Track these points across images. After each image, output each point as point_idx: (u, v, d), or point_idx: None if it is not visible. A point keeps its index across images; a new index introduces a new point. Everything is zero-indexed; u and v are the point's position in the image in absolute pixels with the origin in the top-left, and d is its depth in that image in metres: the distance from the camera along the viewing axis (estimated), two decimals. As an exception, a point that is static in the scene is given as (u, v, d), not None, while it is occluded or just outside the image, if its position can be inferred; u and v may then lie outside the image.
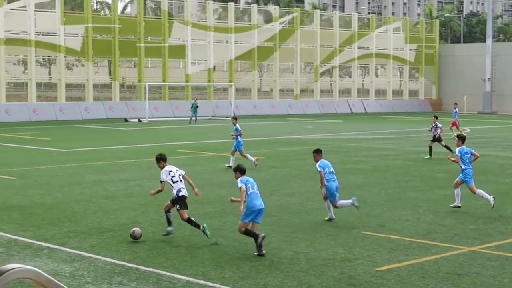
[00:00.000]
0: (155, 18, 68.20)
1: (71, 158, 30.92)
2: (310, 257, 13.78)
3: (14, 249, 14.36)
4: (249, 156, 28.07)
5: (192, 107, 56.79)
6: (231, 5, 70.82)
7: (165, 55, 64.68)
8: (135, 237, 15.00)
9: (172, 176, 15.31)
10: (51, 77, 66.83)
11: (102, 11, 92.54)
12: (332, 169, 17.46)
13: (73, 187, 22.34)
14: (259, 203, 14.25)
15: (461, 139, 19.83)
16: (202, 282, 12.06)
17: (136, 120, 56.66)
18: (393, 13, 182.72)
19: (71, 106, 59.07)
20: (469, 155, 19.28)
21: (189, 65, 67.08)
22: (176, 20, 70.00)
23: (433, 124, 32.63)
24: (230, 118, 60.57)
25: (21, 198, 20.39)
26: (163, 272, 12.62)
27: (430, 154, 31.57)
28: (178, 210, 15.31)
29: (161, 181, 15.45)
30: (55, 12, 59.16)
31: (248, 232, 14.10)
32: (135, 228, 15.27)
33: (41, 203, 19.71)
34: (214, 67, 70.16)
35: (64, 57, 60.32)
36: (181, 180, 15.40)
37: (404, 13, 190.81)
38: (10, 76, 64.09)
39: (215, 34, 68.59)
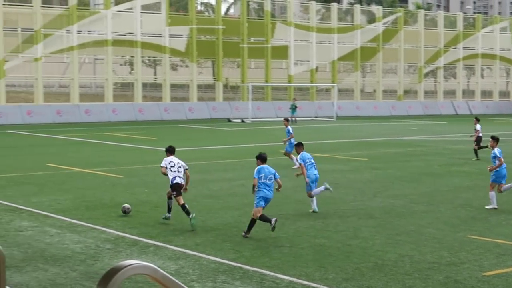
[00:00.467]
0: (258, 19, 68.57)
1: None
2: (414, 260, 13.60)
3: (122, 246, 14.68)
4: (294, 159, 26.98)
5: (291, 108, 56.86)
6: (334, 6, 70.58)
7: (268, 56, 64.95)
8: (125, 212, 17.83)
9: (172, 166, 17.17)
10: (156, 78, 68.03)
11: (206, 12, 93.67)
12: (312, 160, 18.84)
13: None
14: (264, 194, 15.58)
15: (496, 140, 20.11)
16: (305, 282, 12.06)
17: (239, 120, 57.11)
18: (499, 13, 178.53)
19: (175, 106, 59.98)
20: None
21: (291, 65, 67.19)
22: (279, 21, 70.18)
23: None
24: (311, 119, 61.06)
25: (128, 196, 20.83)
26: (267, 272, 12.68)
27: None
28: (174, 197, 16.98)
29: (161, 166, 17.47)
30: (160, 13, 60.21)
31: (263, 217, 15.37)
32: (125, 204, 18.17)
33: (147, 201, 20.10)
34: (317, 67, 70.05)
35: (169, 57, 61.29)
36: (179, 171, 17.10)
37: (511, 13, 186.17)
38: (117, 76, 65.56)
39: (318, 35, 68.48)
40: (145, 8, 60.34)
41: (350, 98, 73.24)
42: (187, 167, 17.39)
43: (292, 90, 67.43)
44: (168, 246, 14.66)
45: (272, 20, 67.95)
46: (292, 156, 27.80)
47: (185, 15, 63.15)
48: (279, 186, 16.00)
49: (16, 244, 14.74)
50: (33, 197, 20.51)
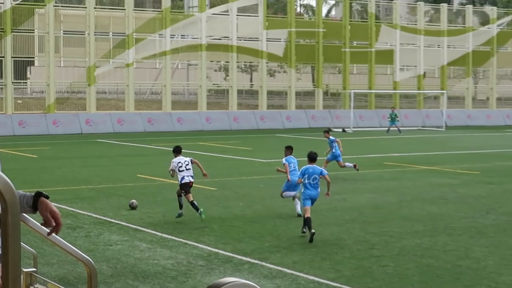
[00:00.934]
0: (362, 21, 68.34)
1: (273, 169, 31.41)
2: (532, 284, 13.25)
3: (215, 263, 14.79)
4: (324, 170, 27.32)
5: (389, 117, 56.19)
6: (444, 6, 69.62)
7: (371, 61, 64.56)
8: (133, 208, 20.31)
9: (180, 167, 19.09)
10: (252, 84, 68.51)
11: (306, 14, 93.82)
12: (296, 167, 19.97)
13: (275, 200, 22.67)
14: (310, 193, 17.35)
15: None
16: (411, 306, 11.89)
17: (340, 130, 56.91)
18: None
19: (272, 114, 60.18)
20: None
21: (397, 71, 66.60)
22: (383, 23, 69.72)
23: None
24: (417, 129, 60.02)
25: (221, 210, 20.99)
26: (369, 294, 12.56)
27: None
28: (184, 195, 19.15)
29: (170, 169, 19.43)
30: (257, 16, 60.60)
31: (307, 221, 16.81)
32: (133, 200, 20.69)
33: (241, 216, 20.20)
34: (425, 73, 69.20)
35: (266, 63, 61.58)
36: (187, 169, 19.08)
37: None
38: (212, 83, 66.30)
39: (426, 38, 67.68)
40: (241, 10, 60.86)
41: (460, 106, 72.01)
42: (191, 158, 19.60)
43: (397, 98, 66.80)
44: (263, 263, 14.69)
45: (377, 22, 67.56)
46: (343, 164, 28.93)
47: (283, 17, 63.42)
48: (327, 182, 17.37)
49: (105, 259, 15.03)
50: (123, 210, 20.90)
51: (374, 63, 64.85)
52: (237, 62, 61.63)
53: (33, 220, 4.51)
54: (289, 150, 21.08)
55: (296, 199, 20.04)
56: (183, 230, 18.08)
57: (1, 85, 51.84)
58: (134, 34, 55.95)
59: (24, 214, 4.33)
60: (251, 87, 68.46)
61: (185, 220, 19.44)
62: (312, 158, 17.88)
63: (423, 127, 61.84)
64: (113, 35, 57.43)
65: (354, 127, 57.73)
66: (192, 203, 19.03)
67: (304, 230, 17.23)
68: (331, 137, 29.63)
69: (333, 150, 29.15)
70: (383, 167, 31.60)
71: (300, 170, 17.81)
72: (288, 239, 17.11)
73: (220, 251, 15.79)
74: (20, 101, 55.21)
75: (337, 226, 18.78)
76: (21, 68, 55.28)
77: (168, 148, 40.51)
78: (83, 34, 55.15)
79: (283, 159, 20.58)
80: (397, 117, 56.19)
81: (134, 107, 55.83)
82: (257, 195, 23.94)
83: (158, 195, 23.71)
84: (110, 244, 16.49)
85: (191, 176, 19.25)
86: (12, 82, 52.07)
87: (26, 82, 61.61)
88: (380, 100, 70.64)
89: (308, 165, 17.61)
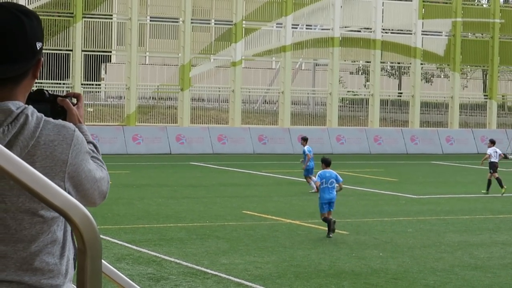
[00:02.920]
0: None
1: (425, 208, 31.25)
2: None
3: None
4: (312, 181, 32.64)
5: None
6: None
7: None
8: None
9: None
10: (401, 93, 68.15)
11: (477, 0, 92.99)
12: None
13: (428, 250, 22.51)
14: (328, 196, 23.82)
15: None
16: None
17: (521, 157, 56.02)
18: None
19: (427, 134, 59.63)
20: None
21: None
22: None
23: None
24: None
25: (354, 262, 20.92)
26: None
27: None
28: None
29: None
30: (411, 1, 60.25)
31: (326, 220, 23.78)
32: None
33: (382, 270, 20.10)
34: None
35: (421, 64, 61.18)
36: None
37: None
38: (346, 90, 66.27)
39: None
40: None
41: None
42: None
43: None
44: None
45: None
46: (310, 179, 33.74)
47: (446, 3, 62.83)
48: (340, 189, 24.45)
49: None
50: (223, 257, 21.06)
51: None
52: (382, 62, 61.50)
53: (120, 274, 4.58)
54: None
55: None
56: (302, 287, 18.11)
57: (68, 87, 52.72)
58: (244, 22, 56.37)
59: (106, 264, 4.39)
60: (400, 96, 68.14)
61: (305, 272, 19.48)
62: (326, 162, 24.74)
63: None
64: (215, 24, 58.14)
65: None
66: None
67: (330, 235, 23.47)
68: (306, 147, 34.83)
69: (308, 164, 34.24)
70: None
71: (318, 174, 24.91)
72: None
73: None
74: (91, 109, 56.21)
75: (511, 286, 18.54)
76: (94, 66, 56.00)
77: (286, 177, 40.79)
78: (177, 22, 55.91)
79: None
80: None
81: (241, 120, 56.23)
82: (403, 243, 23.77)
83: (270, 239, 23.82)
84: (204, 302, 16.66)
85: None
86: (82, 84, 53.21)
87: (99, 84, 62.90)
88: None
89: (325, 169, 24.43)
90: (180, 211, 28.79)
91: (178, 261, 20.50)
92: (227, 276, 18.98)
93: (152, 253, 21.24)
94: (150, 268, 19.46)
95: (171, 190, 34.50)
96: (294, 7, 57.32)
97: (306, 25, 59.93)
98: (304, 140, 36.88)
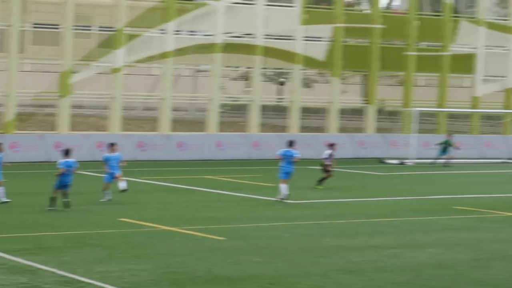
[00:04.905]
0: (434, 15, 67.95)
1: (303, 213, 31.53)
2: None
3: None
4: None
5: (441, 144, 55.78)
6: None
7: (444, 69, 64.28)
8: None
9: None
10: (281, 98, 68.43)
11: (358, 5, 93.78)
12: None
13: (304, 255, 22.74)
14: None
15: None
16: None
17: (397, 161, 56.75)
18: None
19: (306, 139, 59.06)
20: None
21: (478, 83, 66.38)
22: (463, 18, 69.29)
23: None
24: (502, 162, 59.42)
25: (230, 268, 21.05)
26: None
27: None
28: None
29: None
30: (293, 7, 60.09)
31: None
32: None
33: (257, 275, 20.26)
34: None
35: (301, 70, 61.30)
36: None
37: None
38: (226, 96, 66.09)
39: (520, 39, 67.52)
40: (272, -1, 60.73)
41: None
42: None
43: (476, 119, 66.50)
44: None
45: (455, 17, 67.04)
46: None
47: (328, 9, 62.95)
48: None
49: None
50: (98, 264, 21.03)
51: (448, 72, 64.67)
52: (263, 68, 61.63)
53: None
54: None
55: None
56: (177, 294, 18.21)
57: None
58: (126, 29, 56.10)
59: None
60: (279, 102, 68.46)
61: (182, 279, 19.55)
62: (289, 143, 34.27)
63: (510, 159, 61.48)
64: (98, 30, 57.73)
65: (416, 159, 57.33)
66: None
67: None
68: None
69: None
70: (452, 213, 31.59)
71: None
72: (317, 308, 17.20)
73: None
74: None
75: (385, 291, 18.88)
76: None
77: (164, 183, 40.74)
78: (57, 28, 55.40)
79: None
80: (451, 146, 55.61)
81: (121, 126, 55.98)
82: (279, 248, 23.99)
83: (146, 246, 23.85)
84: (78, 311, 16.66)
85: None
86: (-41, 91, 52.44)
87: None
88: (454, 121, 70.44)
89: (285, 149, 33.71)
90: (57, 219, 28.62)
91: (53, 270, 20.39)
92: (102, 284, 18.97)
93: (27, 262, 21.09)
94: (24, 277, 19.33)
95: (48, 198, 34.17)
96: (177, 13, 57.21)
97: (189, 31, 59.85)
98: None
